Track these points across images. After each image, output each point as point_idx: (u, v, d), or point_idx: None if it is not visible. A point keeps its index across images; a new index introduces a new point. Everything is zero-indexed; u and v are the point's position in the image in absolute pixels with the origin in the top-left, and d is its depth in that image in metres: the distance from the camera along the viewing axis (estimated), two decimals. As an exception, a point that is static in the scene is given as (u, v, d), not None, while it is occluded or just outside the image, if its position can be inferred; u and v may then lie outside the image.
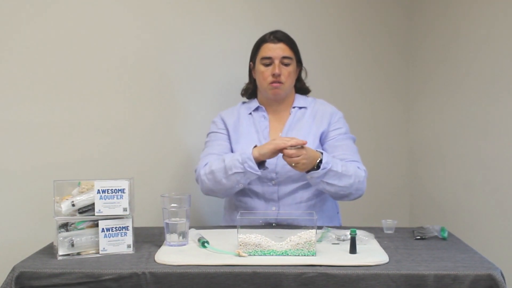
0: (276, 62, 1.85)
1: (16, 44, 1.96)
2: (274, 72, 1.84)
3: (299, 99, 1.97)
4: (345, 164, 1.75)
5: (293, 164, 1.64)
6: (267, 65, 1.87)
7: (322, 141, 1.90)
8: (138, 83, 2.18)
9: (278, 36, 1.89)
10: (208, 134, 1.97)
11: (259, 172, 1.71)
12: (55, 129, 2.02)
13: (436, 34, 2.44)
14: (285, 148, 1.63)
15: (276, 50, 1.86)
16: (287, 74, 1.87)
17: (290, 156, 1.63)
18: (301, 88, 1.99)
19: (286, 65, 1.87)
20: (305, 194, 1.84)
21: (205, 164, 1.82)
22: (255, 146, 1.73)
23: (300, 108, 1.95)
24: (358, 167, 1.79)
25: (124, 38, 2.14)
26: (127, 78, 2.15)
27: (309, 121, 1.91)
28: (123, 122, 2.15)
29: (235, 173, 1.71)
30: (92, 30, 2.08)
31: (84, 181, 1.51)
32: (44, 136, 2.00)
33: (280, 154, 1.67)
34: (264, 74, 1.87)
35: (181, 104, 2.27)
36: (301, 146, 1.64)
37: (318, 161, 1.67)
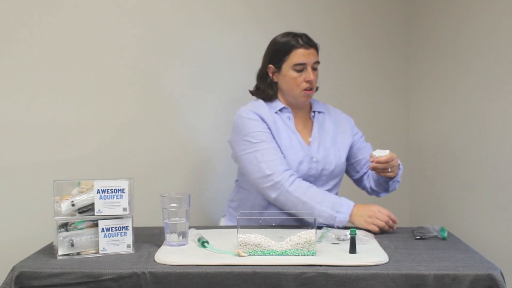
0: (309, 68, 1.84)
1: (16, 44, 1.96)
2: (310, 79, 1.83)
3: (315, 104, 1.99)
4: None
5: (389, 170, 1.76)
6: (299, 71, 1.84)
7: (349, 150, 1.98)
8: (138, 83, 2.18)
9: (309, 42, 1.85)
10: (254, 133, 1.80)
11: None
12: (55, 129, 2.02)
13: (436, 34, 2.44)
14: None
15: (310, 56, 1.84)
16: (316, 79, 1.88)
17: (387, 162, 1.72)
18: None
19: (315, 69, 1.87)
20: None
21: (292, 179, 1.74)
22: (355, 205, 1.72)
23: (319, 112, 1.97)
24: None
25: (125, 38, 2.14)
26: (127, 78, 2.15)
27: (331, 127, 1.95)
28: (123, 122, 2.15)
29: (307, 214, 1.67)
30: (93, 31, 2.08)
31: (84, 181, 1.51)
32: (44, 136, 2.00)
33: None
34: (297, 80, 1.84)
35: (181, 104, 2.27)
36: (388, 151, 1.74)
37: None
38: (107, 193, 1.47)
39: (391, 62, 2.63)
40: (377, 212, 1.68)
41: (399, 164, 1.84)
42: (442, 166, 2.39)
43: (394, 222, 1.69)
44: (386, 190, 1.93)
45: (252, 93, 1.97)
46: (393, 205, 2.65)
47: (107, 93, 2.12)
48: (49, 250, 1.51)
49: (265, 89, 1.92)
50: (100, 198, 1.46)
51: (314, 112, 1.96)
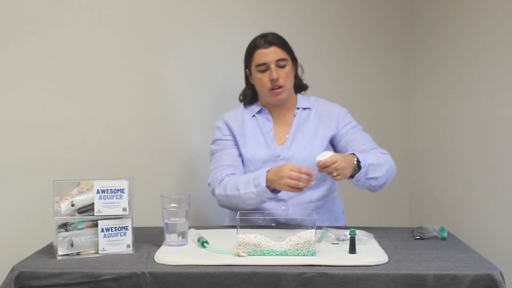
0: (272, 66, 1.83)
1: (16, 44, 1.96)
2: (272, 77, 1.82)
3: (302, 100, 1.95)
4: (373, 154, 1.76)
5: (334, 174, 1.62)
6: (263, 71, 1.85)
7: (335, 142, 1.90)
8: (138, 83, 2.18)
9: (269, 40, 1.85)
10: (214, 141, 1.94)
11: (276, 197, 1.74)
12: (55, 129, 2.02)
13: (437, 34, 2.44)
14: (298, 181, 1.62)
15: (270, 54, 1.84)
16: (285, 76, 1.85)
17: (326, 166, 1.61)
18: (299, 85, 1.97)
19: (282, 67, 1.84)
20: (314, 195, 1.85)
21: (220, 182, 1.82)
22: (268, 171, 1.71)
23: (304, 109, 1.94)
24: (382, 152, 1.82)
25: (124, 38, 2.14)
26: (127, 78, 2.15)
27: (315, 122, 1.91)
28: (123, 122, 2.15)
29: (253, 203, 1.73)
30: (91, 31, 2.08)
31: (83, 181, 1.51)
32: (44, 136, 2.00)
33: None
34: (262, 80, 1.85)
35: (181, 104, 2.27)
36: (332, 153, 1.64)
37: (355, 160, 1.67)
38: (107, 193, 1.47)
39: (392, 62, 2.63)
40: (287, 172, 1.63)
41: (361, 164, 1.67)
42: (442, 166, 2.39)
43: (309, 175, 1.62)
44: (368, 188, 1.80)
45: (239, 99, 2.01)
46: (393, 205, 2.68)
47: (107, 93, 2.12)
48: (49, 250, 1.51)
49: (247, 93, 1.98)
50: (100, 198, 1.46)
51: (298, 109, 1.94)
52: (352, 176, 1.69)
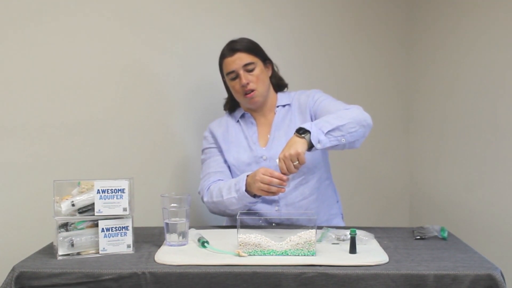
0: (241, 72, 1.85)
1: (17, 44, 1.96)
2: (242, 83, 1.84)
3: (282, 98, 1.96)
4: (330, 114, 1.70)
5: (295, 163, 1.58)
6: (233, 78, 1.87)
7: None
8: (138, 83, 2.18)
9: (233, 47, 1.88)
10: (202, 151, 1.98)
11: (258, 201, 1.75)
12: (55, 129, 2.02)
13: (437, 33, 2.44)
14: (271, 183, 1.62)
15: (235, 61, 1.86)
16: (256, 79, 1.86)
17: (287, 166, 1.59)
18: (278, 84, 1.97)
19: (251, 70, 1.86)
20: (305, 190, 1.85)
21: (207, 189, 1.84)
22: (248, 175, 1.72)
23: (284, 106, 1.94)
24: (346, 108, 1.75)
25: (123, 39, 2.14)
26: (127, 78, 2.15)
27: (295, 115, 1.90)
28: (123, 122, 2.15)
29: (236, 208, 1.74)
30: (90, 32, 2.07)
31: (84, 181, 1.51)
32: (44, 136, 2.00)
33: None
34: (235, 88, 1.89)
35: (181, 105, 2.27)
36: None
37: (300, 132, 1.61)
38: (107, 193, 1.47)
39: (392, 62, 2.63)
40: (259, 176, 1.63)
41: (305, 128, 1.61)
42: (442, 167, 2.39)
43: (280, 179, 1.61)
44: (350, 144, 1.71)
45: (224, 108, 2.04)
46: (393, 205, 2.68)
47: (107, 93, 2.12)
48: (49, 250, 1.51)
49: (227, 101, 2.01)
50: (100, 198, 1.46)
51: (278, 107, 1.94)
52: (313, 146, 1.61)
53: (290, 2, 2.46)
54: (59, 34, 2.02)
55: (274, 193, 1.64)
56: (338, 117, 1.66)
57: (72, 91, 2.05)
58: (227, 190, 1.76)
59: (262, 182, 1.62)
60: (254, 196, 1.71)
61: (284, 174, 1.61)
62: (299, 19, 2.47)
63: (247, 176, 1.72)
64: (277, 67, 1.99)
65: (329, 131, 1.61)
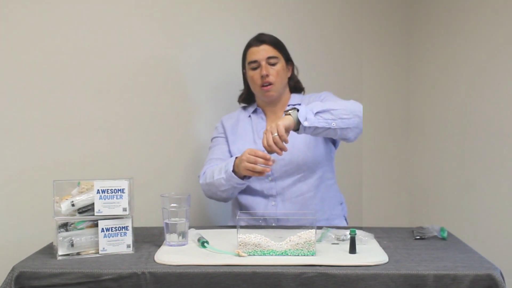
0: (263, 63, 1.88)
1: (17, 43, 1.95)
2: (262, 73, 1.86)
3: (294, 98, 1.98)
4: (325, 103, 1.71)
5: (274, 134, 1.57)
6: (254, 68, 1.90)
7: None
8: (138, 83, 2.17)
9: (260, 38, 1.91)
10: (211, 140, 2.03)
11: (245, 183, 1.78)
12: (55, 129, 2.01)
13: (437, 33, 2.44)
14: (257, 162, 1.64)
15: (260, 52, 1.89)
16: (276, 73, 1.88)
17: (269, 144, 1.58)
18: (295, 87, 2.00)
19: (273, 64, 1.89)
20: (303, 187, 1.85)
21: (203, 173, 1.88)
22: (237, 157, 1.76)
23: (294, 105, 1.94)
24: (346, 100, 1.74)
25: (127, 38, 2.13)
26: (127, 78, 2.15)
27: None
28: (123, 122, 2.15)
29: (225, 189, 1.78)
30: (94, 29, 2.07)
31: (83, 181, 1.51)
32: (44, 136, 2.00)
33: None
34: (254, 77, 1.90)
35: (181, 105, 2.27)
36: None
37: (290, 110, 1.61)
38: (107, 193, 1.47)
39: (392, 62, 2.63)
40: (246, 155, 1.67)
41: (296, 108, 1.63)
42: (442, 167, 2.39)
43: (264, 158, 1.63)
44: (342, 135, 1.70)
45: (238, 100, 2.07)
46: (393, 205, 2.68)
47: (107, 93, 2.11)
48: (49, 250, 1.51)
49: (242, 92, 2.05)
50: (100, 198, 1.46)
51: (289, 105, 1.95)
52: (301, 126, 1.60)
53: (290, 6, 2.46)
54: (62, 33, 2.01)
55: (260, 173, 1.66)
56: (332, 103, 1.69)
57: (72, 90, 2.05)
58: (218, 172, 1.80)
59: (248, 162, 1.66)
60: (244, 178, 1.74)
61: (266, 149, 1.61)
62: (299, 19, 2.47)
63: (236, 157, 1.76)
64: (297, 70, 2.02)
65: (318, 111, 1.62)
